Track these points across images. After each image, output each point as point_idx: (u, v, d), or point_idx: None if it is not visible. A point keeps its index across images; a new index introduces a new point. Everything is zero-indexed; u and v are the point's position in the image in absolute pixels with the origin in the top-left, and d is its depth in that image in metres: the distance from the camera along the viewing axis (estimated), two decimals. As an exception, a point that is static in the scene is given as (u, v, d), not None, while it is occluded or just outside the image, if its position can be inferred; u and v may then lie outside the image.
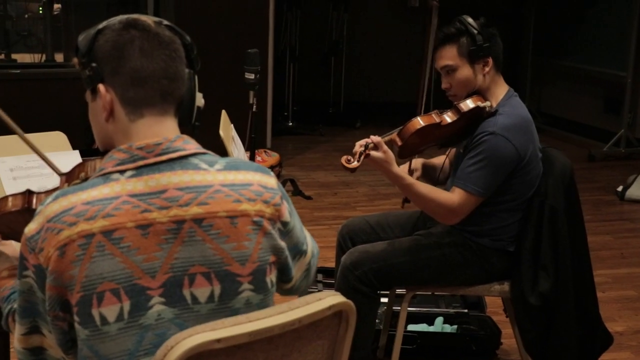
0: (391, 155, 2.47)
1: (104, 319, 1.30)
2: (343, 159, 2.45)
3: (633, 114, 6.60)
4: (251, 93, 3.18)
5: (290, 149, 6.60)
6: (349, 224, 2.86)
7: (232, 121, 2.76)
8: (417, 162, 2.79)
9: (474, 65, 2.55)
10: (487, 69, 2.56)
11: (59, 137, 2.21)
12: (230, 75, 5.36)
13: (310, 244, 1.57)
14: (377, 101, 8.02)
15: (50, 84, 5.45)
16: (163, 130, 1.40)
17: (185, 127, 1.47)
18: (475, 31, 2.53)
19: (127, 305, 1.31)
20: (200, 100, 1.51)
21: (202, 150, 1.42)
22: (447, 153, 2.81)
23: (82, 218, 1.30)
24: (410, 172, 2.76)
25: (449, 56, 2.55)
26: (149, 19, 1.43)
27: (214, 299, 1.36)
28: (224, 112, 2.70)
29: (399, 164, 2.53)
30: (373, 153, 2.45)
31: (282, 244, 1.45)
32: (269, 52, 5.95)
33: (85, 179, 1.45)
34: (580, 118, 7.25)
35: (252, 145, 3.21)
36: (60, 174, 1.55)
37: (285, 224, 1.46)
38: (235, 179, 1.41)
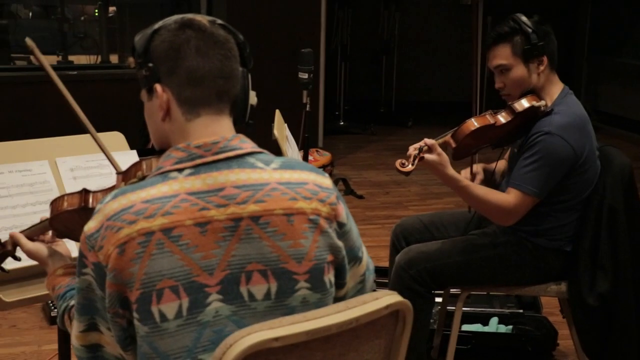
0: (445, 157, 2.46)
1: (163, 316, 1.31)
2: (397, 163, 2.45)
3: (692, 111, 6.46)
4: (304, 92, 3.18)
5: (341, 148, 6.61)
6: (402, 223, 2.85)
7: (285, 121, 2.77)
8: (478, 166, 2.77)
9: (529, 64, 2.51)
10: (541, 67, 2.52)
11: (116, 137, 2.24)
12: (283, 74, 5.40)
13: (365, 254, 1.56)
14: (428, 100, 7.98)
15: (106, 85, 5.55)
16: (219, 129, 1.42)
17: (239, 126, 1.48)
18: (530, 30, 2.49)
19: (185, 302, 1.32)
20: (253, 98, 1.53)
21: (258, 149, 1.43)
22: (504, 157, 2.78)
23: (141, 216, 1.32)
24: (473, 175, 2.73)
25: (502, 55, 2.52)
26: (203, 19, 1.44)
27: (271, 297, 1.37)
28: (277, 111, 2.71)
29: (453, 166, 2.51)
30: (427, 156, 2.44)
31: (340, 243, 1.45)
32: (320, 51, 5.97)
33: (142, 177, 1.47)
34: (637, 116, 7.11)
35: (306, 145, 3.21)
36: (117, 173, 1.57)
37: (341, 224, 1.46)
38: (291, 177, 1.42)
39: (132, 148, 2.29)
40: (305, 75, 3.15)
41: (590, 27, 7.49)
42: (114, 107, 5.24)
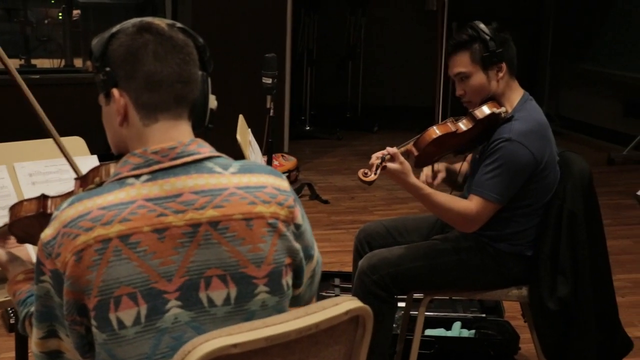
0: (408, 166, 2.48)
1: (121, 323, 1.31)
2: (360, 172, 2.46)
3: (653, 118, 6.56)
4: (268, 97, 3.19)
5: (307, 153, 6.61)
6: (366, 228, 2.86)
7: (249, 126, 2.76)
8: (440, 165, 2.79)
9: (488, 71, 2.54)
10: (501, 74, 2.55)
11: (77, 142, 2.22)
12: (248, 79, 5.39)
13: (316, 250, 1.57)
14: (394, 105, 8.02)
15: (69, 89, 5.49)
16: (177, 134, 1.41)
17: (199, 130, 1.48)
18: (488, 37, 2.52)
19: (144, 309, 1.31)
20: (213, 102, 1.52)
21: (216, 153, 1.43)
22: (466, 158, 2.80)
23: (98, 223, 1.31)
24: (434, 174, 2.75)
25: (462, 63, 2.55)
26: (162, 22, 1.43)
27: (230, 302, 1.37)
28: (241, 116, 2.71)
29: (415, 173, 2.53)
30: (390, 165, 2.45)
31: (297, 245, 1.45)
32: (286, 56, 5.97)
33: (100, 183, 1.46)
34: (599, 121, 7.21)
35: (270, 150, 3.21)
36: (75, 178, 1.56)
37: (298, 226, 1.46)
38: (250, 181, 1.42)
39: (93, 153, 2.27)
40: (269, 80, 3.15)
41: (553, 33, 7.58)
42: (77, 112, 5.18)
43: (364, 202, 5.32)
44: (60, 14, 6.11)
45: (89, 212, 1.32)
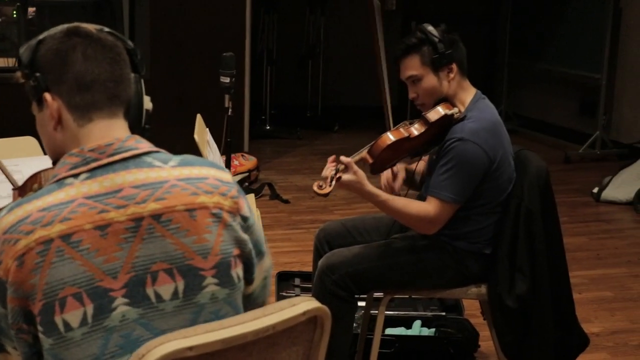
0: (362, 174, 2.48)
1: (67, 325, 1.28)
2: (315, 185, 2.47)
3: (608, 116, 6.65)
4: (227, 97, 3.17)
5: (268, 152, 6.59)
6: (325, 227, 2.85)
7: (208, 125, 2.74)
8: (399, 166, 2.79)
9: (438, 72, 2.56)
10: (451, 75, 2.57)
11: (29, 142, 2.18)
12: (207, 79, 5.34)
13: (268, 250, 1.56)
14: (355, 104, 8.03)
15: (24, 89, 5.40)
16: (113, 132, 1.40)
17: (136, 131, 1.46)
18: (436, 39, 2.54)
19: (90, 309, 1.29)
20: (148, 103, 1.52)
21: (155, 148, 1.42)
22: (424, 158, 2.81)
23: (39, 225, 1.29)
24: (394, 176, 2.76)
25: (412, 66, 2.57)
26: (90, 26, 1.43)
27: (179, 295, 1.35)
28: (199, 116, 2.69)
29: (374, 180, 2.53)
30: (344, 176, 2.46)
31: (245, 236, 1.44)
32: (245, 55, 5.94)
33: (39, 189, 1.44)
34: (556, 120, 7.30)
35: (228, 150, 3.19)
36: (13, 189, 1.53)
37: (245, 218, 1.45)
38: (191, 173, 1.41)
39: (46, 153, 2.23)
40: (227, 80, 3.14)
41: (510, 32, 7.65)
42: (31, 111, 5.11)
43: (324, 201, 5.30)
44: (14, 12, 6.00)
45: (28, 215, 1.30)
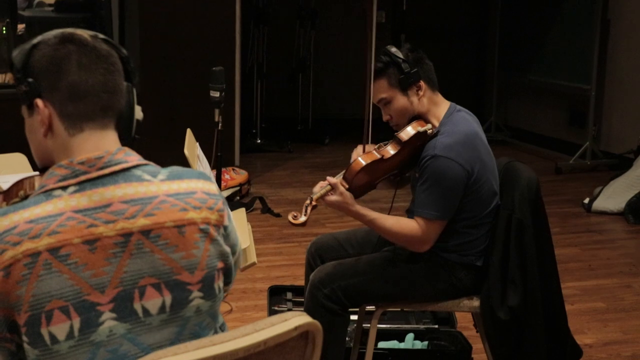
0: (348, 195, 2.51)
1: (54, 338, 1.28)
2: (290, 216, 2.54)
3: (597, 127, 6.68)
4: (216, 111, 3.17)
5: (258, 166, 6.58)
6: (317, 241, 2.85)
7: (198, 139, 2.74)
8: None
9: (407, 92, 2.57)
10: (421, 92, 2.58)
11: (19, 159, 2.17)
12: (197, 93, 5.34)
13: (239, 243, 1.57)
14: (345, 117, 8.03)
15: (15, 105, 5.38)
16: (104, 144, 1.40)
17: (126, 141, 1.46)
18: (400, 60, 2.56)
19: (77, 323, 1.29)
20: (139, 113, 1.51)
21: (144, 161, 1.42)
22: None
23: (26, 237, 1.28)
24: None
25: (381, 89, 2.60)
26: (84, 33, 1.42)
27: (166, 310, 1.36)
28: (189, 130, 2.68)
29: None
30: (330, 197, 2.50)
31: (227, 249, 1.46)
32: (236, 69, 5.94)
33: (25, 196, 1.43)
34: (546, 131, 7.32)
35: (219, 164, 3.19)
36: None
37: (226, 227, 1.47)
38: (180, 188, 1.41)
39: (36, 169, 2.22)
40: (217, 94, 3.13)
41: (499, 44, 7.68)
42: (22, 128, 5.09)
43: (315, 214, 5.28)
44: (4, 28, 5.99)
45: (15, 226, 1.29)
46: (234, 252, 1.52)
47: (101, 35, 1.45)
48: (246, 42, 7.02)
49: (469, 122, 2.58)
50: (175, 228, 1.37)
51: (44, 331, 1.27)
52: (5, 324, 1.29)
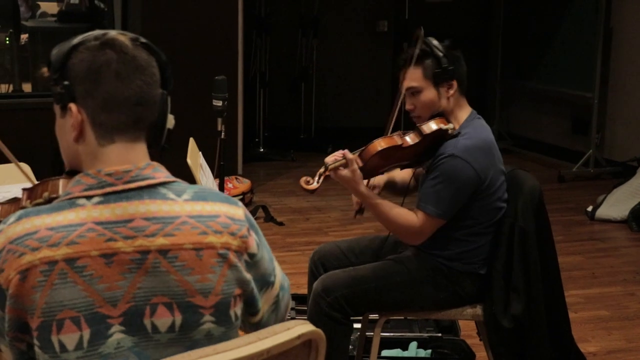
0: (359, 174, 2.48)
1: (63, 347, 1.28)
2: (302, 180, 2.49)
3: (600, 135, 6.68)
4: (219, 120, 3.16)
5: (261, 175, 6.58)
6: (320, 250, 2.85)
7: (201, 149, 2.74)
8: (380, 179, 2.77)
9: (439, 87, 2.56)
10: (451, 91, 2.57)
11: (23, 169, 2.17)
12: (200, 102, 5.35)
13: (279, 275, 1.54)
14: (348, 126, 8.04)
15: (18, 115, 5.40)
16: (133, 156, 1.39)
17: (154, 149, 1.45)
18: (441, 54, 2.54)
19: (86, 334, 1.29)
20: (171, 122, 1.49)
21: (172, 178, 1.41)
22: (414, 170, 2.81)
23: (45, 244, 1.28)
24: (371, 188, 2.74)
25: (413, 78, 2.56)
26: (125, 38, 1.40)
27: (175, 329, 1.35)
28: (191, 139, 2.69)
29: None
30: (342, 171, 2.46)
31: (248, 276, 1.43)
32: (238, 78, 5.95)
33: (49, 199, 1.43)
34: (549, 139, 7.32)
35: (221, 173, 3.18)
36: (23, 189, 1.52)
37: (252, 255, 1.44)
38: (203, 210, 1.39)
39: (40, 179, 2.22)
40: (220, 103, 3.13)
41: (502, 52, 7.69)
42: (25, 138, 5.10)
43: (318, 223, 5.31)
44: (7, 38, 6.01)
45: (36, 231, 1.29)
46: (265, 283, 1.48)
47: (142, 39, 1.43)
48: (248, 52, 7.03)
49: (487, 130, 2.59)
50: (193, 250, 1.35)
51: (54, 338, 1.28)
52: (18, 325, 1.29)
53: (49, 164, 3.94)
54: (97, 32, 1.41)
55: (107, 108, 1.36)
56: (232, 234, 1.40)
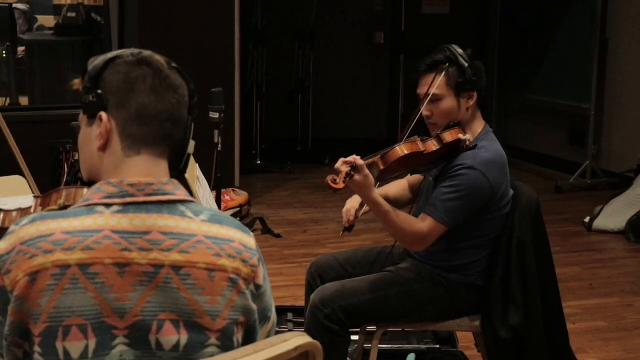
0: (371, 180, 2.43)
1: (67, 354, 1.27)
2: (329, 178, 2.38)
3: (597, 146, 6.69)
4: (216, 132, 3.17)
5: (259, 187, 6.58)
6: (317, 261, 2.84)
7: (197, 161, 2.73)
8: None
9: (460, 97, 2.54)
10: (471, 102, 2.56)
11: (18, 181, 2.17)
12: (197, 114, 5.35)
13: (274, 312, 1.54)
14: (345, 137, 8.04)
15: (15, 128, 5.39)
16: (156, 171, 1.40)
17: (173, 172, 1.45)
18: (467, 64, 2.52)
19: (92, 344, 1.28)
20: (192, 147, 1.50)
21: (190, 198, 1.41)
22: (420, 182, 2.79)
23: (59, 247, 1.28)
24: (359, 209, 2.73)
25: (436, 85, 2.52)
26: (161, 58, 1.44)
27: (179, 349, 1.33)
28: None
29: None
30: (356, 176, 2.39)
31: (254, 306, 1.42)
32: (235, 90, 5.95)
33: (64, 206, 1.43)
34: (546, 150, 7.33)
35: (218, 185, 3.18)
36: (35, 196, 1.52)
37: (258, 287, 1.43)
38: (219, 232, 1.40)
39: (42, 191, 2.22)
40: (216, 115, 3.14)
41: (498, 64, 7.71)
42: (23, 150, 5.10)
43: (316, 235, 5.30)
44: (4, 52, 6.02)
45: (51, 234, 1.29)
46: (264, 317, 1.47)
47: (174, 64, 1.46)
48: (245, 64, 7.04)
49: (500, 145, 2.58)
50: (206, 271, 1.35)
51: (58, 345, 1.27)
52: (18, 330, 1.28)
53: (46, 177, 3.93)
54: (134, 49, 1.44)
55: (138, 120, 1.38)
56: (244, 261, 1.40)
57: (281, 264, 4.65)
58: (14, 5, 6.20)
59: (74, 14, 6.28)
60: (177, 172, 1.48)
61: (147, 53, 1.44)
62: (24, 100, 5.99)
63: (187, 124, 1.45)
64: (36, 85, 6.18)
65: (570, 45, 6.78)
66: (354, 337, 2.85)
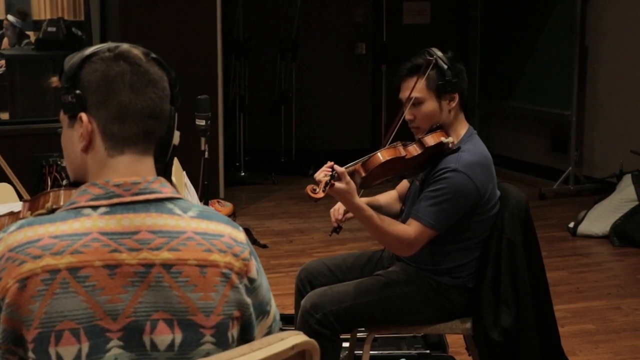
0: (353, 186, 2.43)
1: (60, 359, 1.25)
2: (308, 188, 2.39)
3: (579, 152, 6.73)
4: (202, 140, 3.16)
5: (243, 198, 6.56)
6: (306, 267, 2.83)
7: (184, 169, 2.72)
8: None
9: (441, 100, 2.54)
10: (453, 104, 2.56)
11: (5, 189, 2.15)
12: (180, 123, 5.33)
13: (274, 306, 1.52)
14: (328, 148, 8.03)
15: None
16: (141, 169, 1.38)
17: (159, 164, 1.44)
18: (446, 66, 2.53)
19: (85, 347, 1.26)
20: (177, 138, 1.48)
21: (177, 195, 1.40)
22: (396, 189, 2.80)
23: (48, 252, 1.26)
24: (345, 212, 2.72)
25: (416, 88, 2.52)
26: (138, 51, 1.41)
27: (174, 348, 1.32)
28: (175, 159, 2.66)
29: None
30: (337, 184, 2.39)
31: (248, 300, 1.40)
32: (218, 102, 5.94)
33: (52, 210, 1.41)
34: (529, 157, 7.36)
35: (206, 193, 3.17)
36: (24, 200, 1.49)
37: (252, 280, 1.42)
38: (208, 228, 1.38)
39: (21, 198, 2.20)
40: (203, 122, 3.13)
41: (479, 72, 7.75)
42: (6, 164, 5.06)
43: (302, 245, 5.29)
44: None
45: (39, 239, 1.27)
46: (261, 311, 1.45)
47: (153, 55, 1.43)
48: (228, 75, 7.03)
49: (485, 146, 2.58)
50: (197, 267, 1.33)
51: (51, 350, 1.25)
52: (12, 337, 1.26)
53: (30, 191, 3.89)
54: (110, 44, 1.41)
55: (119, 119, 1.36)
56: (235, 255, 1.38)
57: (268, 274, 4.57)
58: (7, 17, 6.13)
59: (54, 29, 6.24)
60: (164, 165, 1.46)
61: (124, 47, 1.40)
62: (4, 115, 5.94)
63: (169, 117, 1.43)
64: (17, 99, 6.13)
65: (550, 53, 6.83)
66: (345, 344, 2.84)
